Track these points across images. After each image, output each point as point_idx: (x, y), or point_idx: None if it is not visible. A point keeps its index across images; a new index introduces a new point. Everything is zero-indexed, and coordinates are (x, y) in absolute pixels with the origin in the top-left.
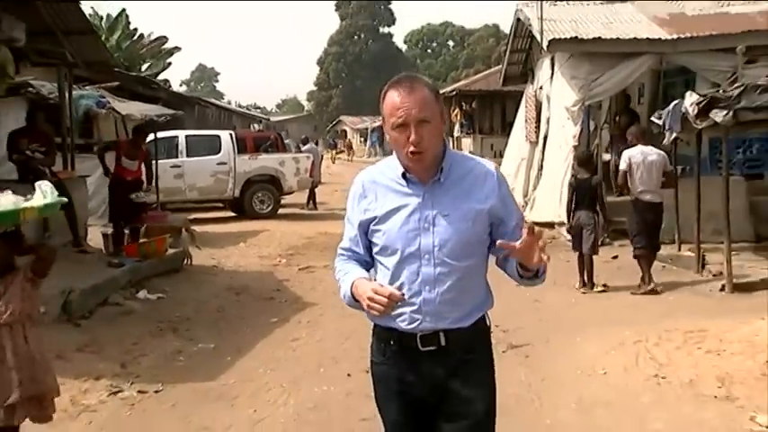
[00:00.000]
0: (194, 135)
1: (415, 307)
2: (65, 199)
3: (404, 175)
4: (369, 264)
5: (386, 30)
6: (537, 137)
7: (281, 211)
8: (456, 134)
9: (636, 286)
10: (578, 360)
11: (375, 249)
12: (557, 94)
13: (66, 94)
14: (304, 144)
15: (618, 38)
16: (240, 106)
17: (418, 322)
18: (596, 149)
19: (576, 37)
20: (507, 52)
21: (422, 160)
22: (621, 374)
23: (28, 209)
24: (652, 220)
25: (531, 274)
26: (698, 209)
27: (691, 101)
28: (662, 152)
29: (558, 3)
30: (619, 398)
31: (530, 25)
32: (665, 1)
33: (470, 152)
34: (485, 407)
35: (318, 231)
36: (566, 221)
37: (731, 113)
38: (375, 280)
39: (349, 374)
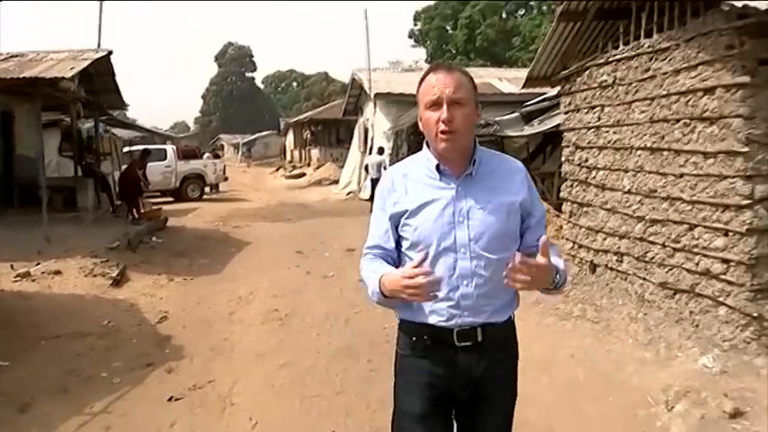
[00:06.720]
0: (152, 148)
1: (453, 302)
2: None
3: (437, 168)
4: (397, 261)
5: (250, 74)
6: (364, 149)
7: (204, 196)
8: (307, 146)
9: None
10: None
11: (405, 245)
12: (377, 123)
13: (99, 126)
14: (216, 156)
15: (412, 93)
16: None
17: (457, 317)
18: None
19: (390, 92)
20: (347, 96)
21: (452, 141)
22: None
23: None
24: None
25: (547, 290)
26: None
27: None
28: (381, 157)
29: (378, 70)
30: None
31: (361, 82)
32: None
33: (318, 159)
34: (512, 405)
35: (233, 208)
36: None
37: None
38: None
39: (288, 259)
